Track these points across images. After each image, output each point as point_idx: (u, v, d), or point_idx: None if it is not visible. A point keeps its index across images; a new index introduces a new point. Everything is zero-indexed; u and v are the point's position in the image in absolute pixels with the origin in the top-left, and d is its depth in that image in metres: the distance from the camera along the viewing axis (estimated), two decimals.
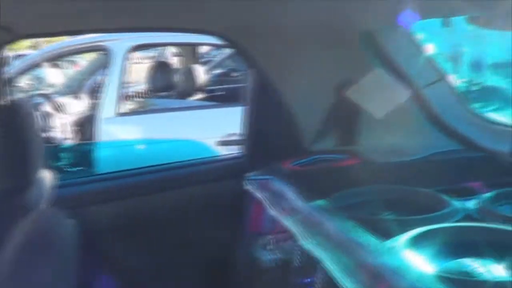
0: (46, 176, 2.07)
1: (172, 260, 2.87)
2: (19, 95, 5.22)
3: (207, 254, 2.87)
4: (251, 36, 2.76)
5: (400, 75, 2.77)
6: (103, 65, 6.15)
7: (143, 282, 2.89)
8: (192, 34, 3.86)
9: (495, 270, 1.76)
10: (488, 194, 2.29)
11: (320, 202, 2.17)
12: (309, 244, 1.94)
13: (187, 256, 2.87)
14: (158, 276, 2.88)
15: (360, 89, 2.81)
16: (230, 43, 2.92)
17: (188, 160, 3.12)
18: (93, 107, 5.90)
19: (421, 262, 1.74)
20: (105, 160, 5.28)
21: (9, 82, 2.66)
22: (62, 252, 1.79)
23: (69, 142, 5.85)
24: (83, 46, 6.12)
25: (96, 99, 5.91)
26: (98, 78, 6.52)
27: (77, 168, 5.70)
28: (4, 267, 1.61)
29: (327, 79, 2.81)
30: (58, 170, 4.23)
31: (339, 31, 2.63)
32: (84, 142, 5.78)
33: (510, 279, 1.64)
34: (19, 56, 8.07)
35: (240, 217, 2.66)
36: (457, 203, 2.25)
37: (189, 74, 6.51)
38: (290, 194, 2.29)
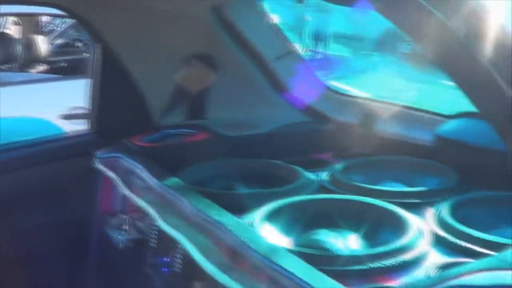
0: None
1: (23, 244, 2.74)
2: None
3: (59, 236, 2.75)
4: (97, 9, 2.66)
5: (249, 48, 2.77)
6: None
7: None
8: (36, 6, 3.68)
9: (349, 241, 1.79)
10: (339, 165, 2.33)
11: (172, 179, 2.12)
12: (165, 225, 1.89)
13: (40, 239, 2.74)
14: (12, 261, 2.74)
15: (208, 63, 2.79)
16: (75, 17, 2.81)
17: (32, 139, 2.97)
18: None
19: (276, 237, 1.75)
20: None
21: None
22: None
23: None
24: None
25: None
26: None
27: None
28: None
29: (176, 53, 2.76)
30: None
31: (187, 4, 2.58)
32: None
33: (362, 252, 1.67)
34: None
35: (91, 197, 2.57)
36: (310, 175, 2.28)
37: (29, 45, 6.25)
38: (142, 172, 2.23)
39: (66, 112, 5.01)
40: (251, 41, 2.75)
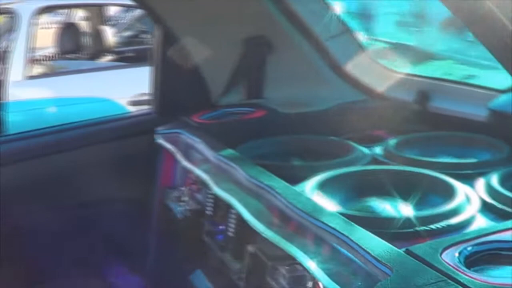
0: None
1: (87, 217, 2.88)
2: None
3: (122, 210, 2.88)
4: None
5: (303, 27, 2.82)
6: (9, 28, 6.01)
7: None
8: None
9: (398, 208, 1.84)
10: (393, 140, 2.38)
11: (228, 151, 2.20)
12: (220, 191, 1.98)
13: (104, 211, 2.87)
14: (75, 233, 2.88)
15: (265, 43, 2.86)
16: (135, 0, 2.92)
17: (98, 118, 3.10)
18: (1, 71, 5.77)
19: (328, 204, 1.81)
20: (14, 123, 5.17)
21: None
22: None
23: None
24: None
25: (4, 62, 5.78)
26: (5, 41, 6.37)
27: None
28: None
29: (233, 33, 2.84)
30: None
31: None
32: None
33: (409, 215, 1.71)
34: None
35: (153, 172, 2.67)
36: (363, 149, 2.33)
37: (97, 36, 6.44)
38: (200, 145, 2.32)
39: (133, 98, 5.18)
40: (305, 20, 2.80)
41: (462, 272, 1.26)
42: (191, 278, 2.39)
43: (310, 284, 1.57)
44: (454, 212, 1.68)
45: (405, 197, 1.89)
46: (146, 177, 2.72)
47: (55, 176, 2.89)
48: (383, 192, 1.93)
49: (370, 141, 2.47)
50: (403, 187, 1.92)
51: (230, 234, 1.99)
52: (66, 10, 7.48)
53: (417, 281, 1.22)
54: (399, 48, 3.39)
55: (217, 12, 2.77)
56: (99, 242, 2.87)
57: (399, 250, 1.37)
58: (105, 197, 2.89)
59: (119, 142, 2.97)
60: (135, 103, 5.09)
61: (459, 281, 1.23)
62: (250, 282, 1.90)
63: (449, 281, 1.23)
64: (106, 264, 2.89)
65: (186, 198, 2.36)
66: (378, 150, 2.33)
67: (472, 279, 1.24)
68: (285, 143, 2.48)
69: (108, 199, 2.88)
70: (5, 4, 5.70)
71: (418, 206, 1.84)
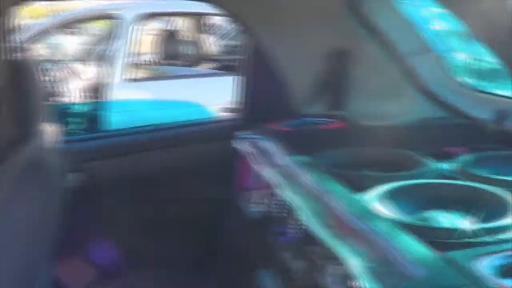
0: (50, 130, 2.20)
1: (169, 214, 3.02)
2: (27, 57, 5.35)
3: (199, 209, 3.01)
4: (248, 3, 2.88)
5: (387, 43, 2.88)
6: (113, 33, 6.27)
7: (139, 234, 3.02)
8: (198, 3, 3.97)
9: (459, 221, 1.86)
10: (465, 157, 2.39)
11: (301, 158, 2.28)
12: (286, 195, 2.07)
13: (183, 209, 3.01)
14: (156, 230, 3.02)
15: (349, 56, 2.93)
16: (227, 11, 3.05)
17: (187, 121, 3.27)
18: (104, 73, 6.03)
19: (387, 212, 1.86)
20: (114, 123, 5.43)
21: (20, 46, 2.79)
22: (51, 185, 1.92)
23: (79, 106, 5.99)
24: (94, 13, 6.27)
25: (107, 65, 6.04)
26: (109, 45, 6.65)
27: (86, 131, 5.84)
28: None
29: (319, 46, 2.93)
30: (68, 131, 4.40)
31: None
32: (94, 106, 5.91)
33: (465, 227, 1.73)
34: (32, 24, 8.19)
35: (231, 174, 2.79)
36: (434, 164, 2.36)
37: (196, 43, 6.64)
38: (274, 150, 2.42)
39: (226, 105, 5.33)
40: (389, 36, 2.86)
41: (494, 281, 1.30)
42: (257, 277, 2.47)
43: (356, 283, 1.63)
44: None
45: (467, 212, 1.90)
46: (225, 179, 2.84)
47: (143, 173, 3.05)
48: (445, 206, 1.95)
49: (444, 157, 2.48)
50: (467, 203, 1.94)
51: (294, 235, 2.07)
52: (167, 18, 7.73)
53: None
54: (480, 66, 3.37)
55: (305, 25, 2.87)
56: (177, 240, 3.00)
57: (438, 255, 1.42)
58: (185, 196, 3.02)
59: (204, 145, 3.11)
60: (227, 110, 5.23)
61: None
62: (311, 282, 1.97)
63: None
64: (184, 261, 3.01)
65: (257, 201, 2.45)
66: (449, 165, 2.35)
67: None
68: (359, 153, 2.53)
69: (188, 199, 3.02)
70: (109, 9, 5.97)
71: (478, 220, 1.85)
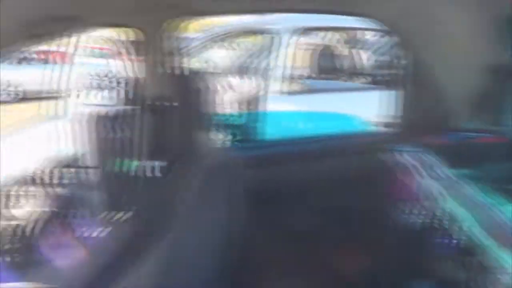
0: (215, 141, 2.35)
1: (331, 222, 3.12)
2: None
3: (359, 217, 3.09)
4: (406, 17, 2.94)
5: None
6: (267, 47, 6.43)
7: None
8: (353, 17, 4.05)
9: None
10: None
11: (462, 171, 2.33)
12: (447, 205, 2.12)
13: (340, 218, 3.10)
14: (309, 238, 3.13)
15: (507, 72, 2.92)
16: (389, 26, 3.13)
17: (344, 133, 3.36)
18: (258, 86, 6.21)
19: None
20: (269, 132, 5.58)
21: (181, 60, 2.99)
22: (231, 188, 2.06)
23: (235, 118, 6.19)
24: (247, 28, 6.47)
25: (261, 78, 6.22)
26: (263, 59, 6.82)
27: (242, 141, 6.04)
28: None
29: (476, 61, 2.94)
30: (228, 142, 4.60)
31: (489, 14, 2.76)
32: (249, 117, 6.08)
33: None
34: (189, 38, 8.49)
35: (389, 185, 2.85)
36: None
37: (350, 58, 6.71)
38: (434, 162, 2.47)
39: (379, 119, 5.37)
40: None
41: None
42: None
43: None
44: None
45: None
46: (381, 189, 2.90)
47: (297, 182, 3.17)
48: None
49: None
50: None
51: (455, 246, 2.12)
52: (321, 32, 7.84)
53: None
54: None
55: (464, 39, 2.90)
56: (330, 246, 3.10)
57: None
58: (339, 204, 3.11)
59: (361, 156, 3.19)
60: (381, 123, 5.27)
61: None
62: None
63: None
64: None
65: (417, 212, 2.51)
66: None
67: None
68: None
69: (342, 207, 3.11)
70: (263, 24, 6.14)
71: None
